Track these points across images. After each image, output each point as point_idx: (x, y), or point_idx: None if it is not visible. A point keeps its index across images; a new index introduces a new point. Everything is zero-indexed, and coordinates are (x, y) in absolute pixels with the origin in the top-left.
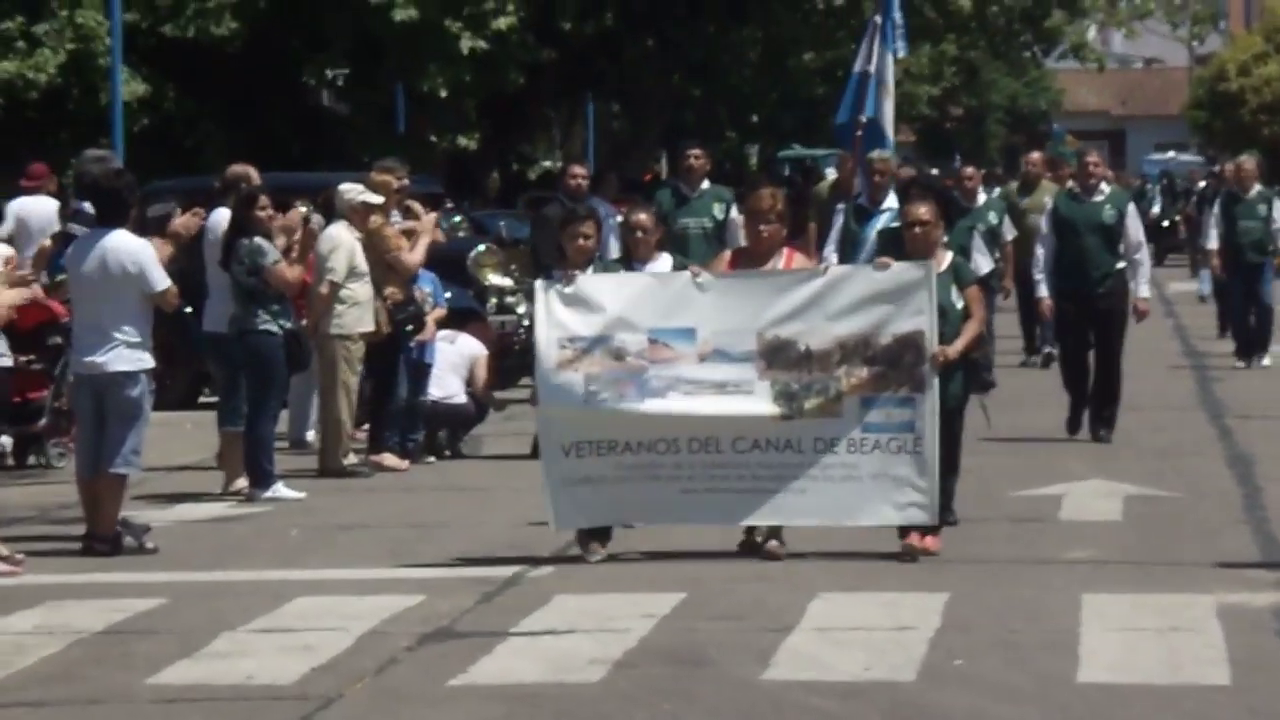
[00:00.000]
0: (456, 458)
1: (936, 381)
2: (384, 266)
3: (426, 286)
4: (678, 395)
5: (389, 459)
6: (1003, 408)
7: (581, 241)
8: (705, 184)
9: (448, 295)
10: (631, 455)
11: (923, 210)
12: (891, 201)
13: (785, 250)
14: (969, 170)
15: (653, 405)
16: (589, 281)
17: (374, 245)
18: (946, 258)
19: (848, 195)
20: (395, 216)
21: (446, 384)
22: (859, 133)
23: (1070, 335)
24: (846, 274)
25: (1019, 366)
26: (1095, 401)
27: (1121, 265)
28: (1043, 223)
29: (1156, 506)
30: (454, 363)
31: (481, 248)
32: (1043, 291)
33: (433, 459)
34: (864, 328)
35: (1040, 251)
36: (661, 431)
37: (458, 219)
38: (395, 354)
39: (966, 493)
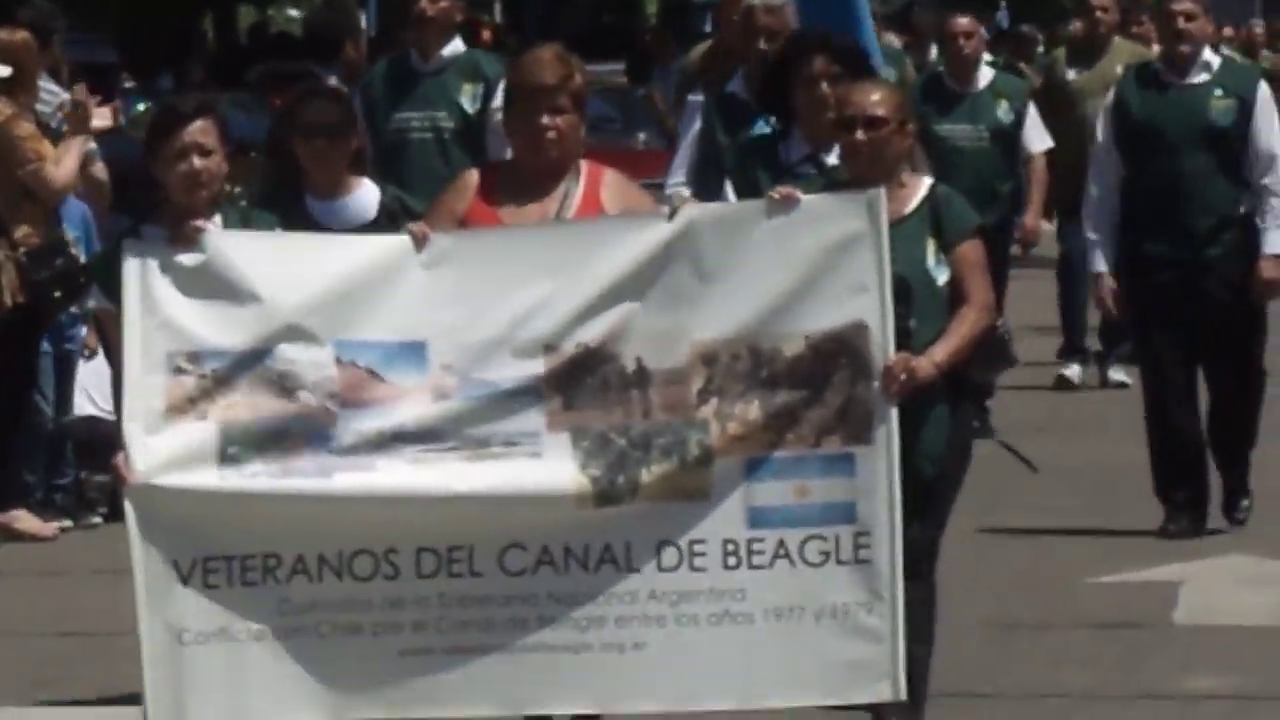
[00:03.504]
0: None
1: (895, 418)
2: (13, 190)
3: (73, 229)
4: (396, 464)
5: (23, 520)
6: (1063, 432)
7: (191, 163)
8: (453, 47)
9: None
10: (308, 584)
11: (873, 97)
12: None
13: (584, 168)
14: (963, 23)
15: (348, 483)
16: (225, 243)
17: None
18: (920, 188)
19: (719, 71)
20: (50, 102)
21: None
22: None
23: (1159, 339)
24: (716, 219)
25: (1051, 388)
26: (1218, 454)
27: (1246, 209)
28: (1099, 127)
29: None
30: None
31: None
32: (1099, 262)
33: (98, 518)
34: (753, 323)
35: (1095, 186)
36: (365, 535)
37: (142, 107)
38: (31, 342)
39: (1018, 580)
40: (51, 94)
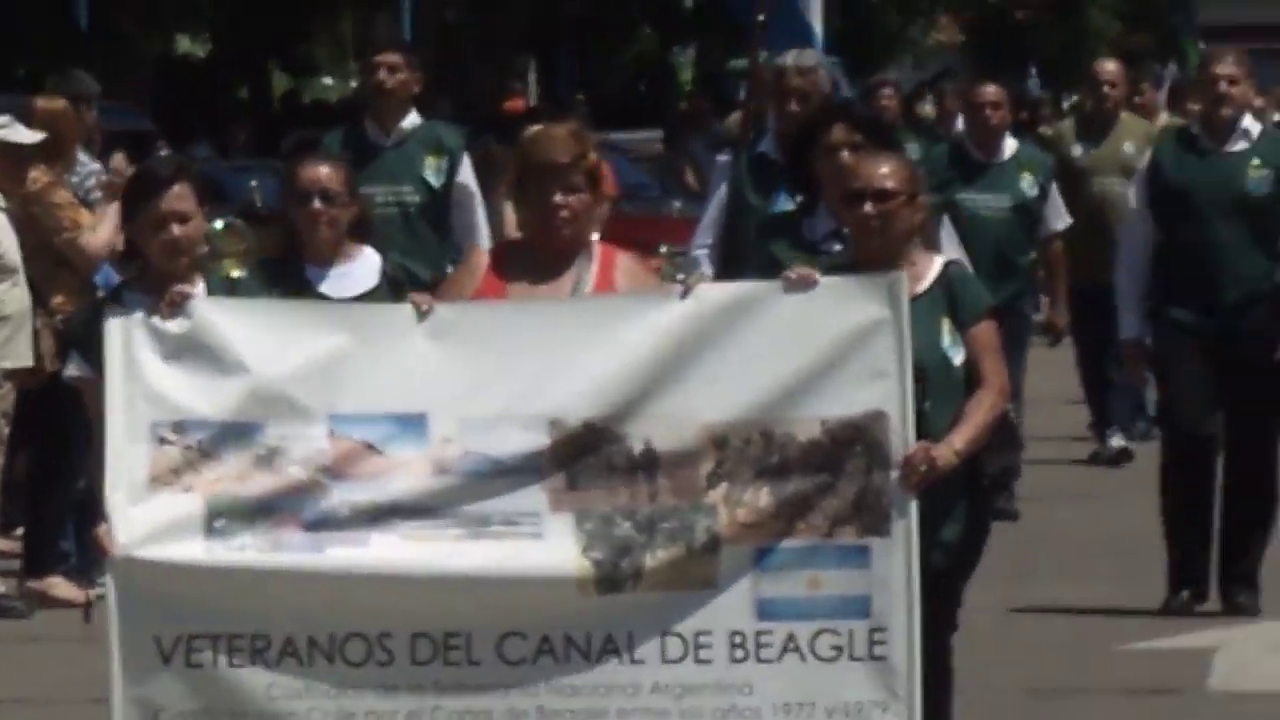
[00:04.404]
0: None
1: (915, 510)
2: (50, 258)
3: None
4: (391, 539)
5: (59, 587)
6: (1089, 503)
7: (170, 232)
8: (410, 119)
9: None
10: (298, 666)
11: (882, 169)
12: None
13: (597, 249)
14: (990, 92)
15: (340, 559)
16: (212, 310)
17: (34, 220)
18: (933, 266)
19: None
20: (80, 172)
21: None
22: (759, 17)
23: (1185, 407)
24: (730, 298)
25: (1085, 462)
26: (1226, 532)
27: None
28: (1131, 193)
29: None
30: None
31: (219, 225)
32: (1130, 328)
33: None
34: (766, 406)
35: (1126, 252)
36: (358, 618)
37: None
38: (69, 407)
39: (1052, 647)
40: (82, 164)
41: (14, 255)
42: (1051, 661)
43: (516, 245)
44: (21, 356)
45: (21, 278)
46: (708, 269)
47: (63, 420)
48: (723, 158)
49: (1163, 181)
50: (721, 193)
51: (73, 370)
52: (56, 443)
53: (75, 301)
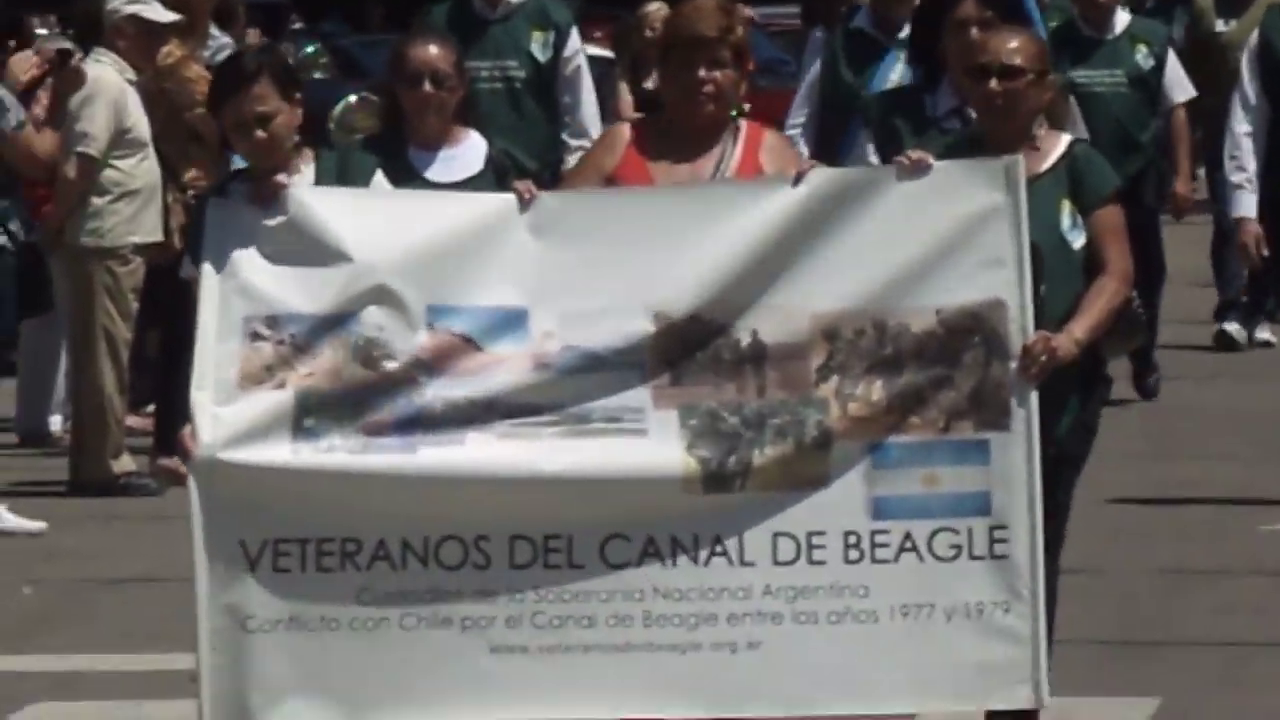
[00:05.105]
0: None
1: (1035, 403)
2: (182, 133)
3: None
4: (487, 438)
5: None
6: (1233, 383)
7: (253, 137)
8: None
9: None
10: (391, 571)
11: (1010, 44)
12: None
13: (744, 127)
14: None
15: (434, 458)
16: (310, 200)
17: (166, 95)
18: (1057, 145)
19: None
20: (212, 47)
21: None
22: None
23: None
24: (843, 185)
25: (1210, 348)
26: None
27: None
28: (1243, 68)
29: None
30: None
31: (352, 99)
32: (1240, 207)
33: None
34: (879, 296)
35: (1238, 129)
36: (453, 520)
37: (311, 49)
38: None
39: (1193, 528)
40: (214, 38)
41: (143, 130)
42: (1192, 543)
43: (658, 121)
44: (151, 231)
45: (151, 152)
46: (803, 148)
47: (195, 296)
48: (816, 34)
49: (1273, 57)
50: (815, 70)
51: (186, 270)
52: (188, 319)
53: (208, 177)
